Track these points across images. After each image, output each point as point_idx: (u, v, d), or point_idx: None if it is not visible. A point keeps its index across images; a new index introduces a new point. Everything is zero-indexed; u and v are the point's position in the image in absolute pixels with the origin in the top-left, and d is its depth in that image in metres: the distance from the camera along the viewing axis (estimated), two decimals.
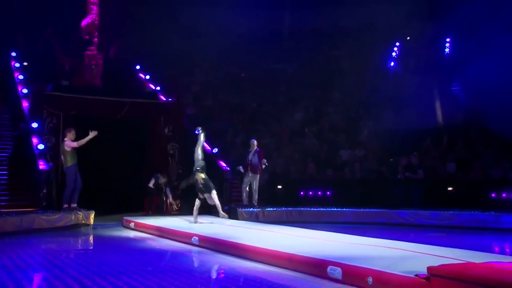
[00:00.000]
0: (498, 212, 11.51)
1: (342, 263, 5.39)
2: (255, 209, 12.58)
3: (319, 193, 14.41)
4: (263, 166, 12.61)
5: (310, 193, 14.46)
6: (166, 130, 14.63)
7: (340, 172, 15.07)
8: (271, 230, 8.76)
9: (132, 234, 10.28)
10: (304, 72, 20.88)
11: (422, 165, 13.92)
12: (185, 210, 12.81)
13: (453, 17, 18.49)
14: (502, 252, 8.14)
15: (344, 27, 21.59)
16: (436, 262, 4.73)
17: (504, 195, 12.52)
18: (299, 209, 13.07)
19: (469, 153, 14.64)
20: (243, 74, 21.14)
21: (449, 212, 11.92)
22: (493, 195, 12.67)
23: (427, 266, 4.52)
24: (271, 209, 12.85)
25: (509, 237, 10.28)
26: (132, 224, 10.94)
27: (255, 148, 12.75)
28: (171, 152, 14.55)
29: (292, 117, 18.18)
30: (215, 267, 6.84)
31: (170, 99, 15.60)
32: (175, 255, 7.83)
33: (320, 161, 15.64)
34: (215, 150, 14.42)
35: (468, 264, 4.63)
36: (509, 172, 13.18)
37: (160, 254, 7.92)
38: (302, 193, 14.46)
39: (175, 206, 13.72)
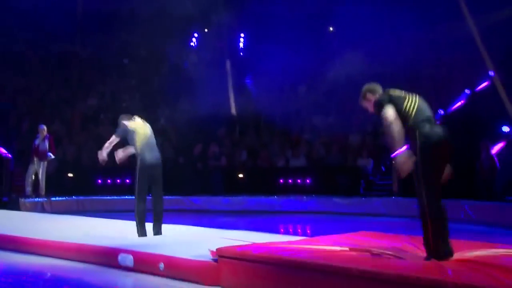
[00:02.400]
0: (280, 196, 12.65)
1: (133, 251, 5.29)
2: (41, 199, 11.64)
3: (118, 181, 14.00)
4: (49, 158, 11.73)
5: (109, 181, 13.96)
6: None
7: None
8: (57, 221, 8.18)
9: None
10: (98, 57, 19.95)
11: (221, 153, 14.58)
12: None
13: (247, 14, 19.60)
14: (282, 232, 8.93)
15: (141, 13, 21.23)
16: (224, 245, 4.94)
17: (289, 181, 13.83)
18: (91, 198, 12.51)
19: (258, 142, 15.76)
20: (29, 54, 19.30)
21: (239, 197, 12.68)
22: (278, 181, 13.88)
23: (216, 248, 4.69)
24: (60, 198, 12.05)
25: (288, 219, 11.37)
26: None
27: (44, 134, 11.82)
28: None
29: (85, 102, 17.27)
30: None
31: None
32: None
33: (116, 148, 15.18)
34: None
35: (253, 245, 4.94)
36: (291, 161, 14.57)
37: None
38: (99, 181, 13.87)
39: None
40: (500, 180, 10.90)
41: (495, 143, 11.48)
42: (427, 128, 4.18)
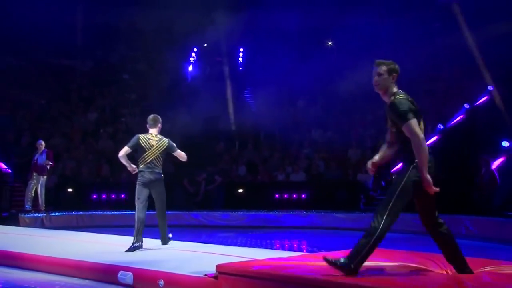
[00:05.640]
0: (280, 211, 12.61)
1: (133, 268, 5.26)
2: (40, 214, 11.61)
3: (113, 196, 13.97)
4: (48, 167, 11.72)
5: (104, 196, 13.93)
6: None
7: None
8: (57, 237, 8.15)
9: None
10: (98, 71, 20.05)
11: (216, 171, 14.57)
12: None
13: (246, 29, 19.73)
14: (282, 248, 8.88)
15: (141, 28, 21.39)
16: (224, 261, 4.91)
17: (288, 196, 13.83)
18: (90, 213, 12.48)
19: (258, 157, 15.75)
20: (29, 68, 19.37)
21: (238, 212, 12.65)
22: (277, 196, 13.85)
23: (216, 264, 4.66)
24: (59, 213, 12.01)
25: (288, 234, 11.31)
26: None
27: (42, 149, 11.83)
28: None
29: (85, 116, 17.31)
30: None
31: None
32: None
33: (115, 163, 15.17)
34: None
35: (252, 261, 4.91)
36: (291, 175, 14.55)
37: None
38: (95, 196, 13.85)
39: None
40: (499, 195, 10.88)
41: (495, 158, 11.48)
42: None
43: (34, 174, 11.71)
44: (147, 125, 6.83)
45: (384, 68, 4.22)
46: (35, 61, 19.33)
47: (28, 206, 11.77)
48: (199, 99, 17.52)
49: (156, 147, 6.68)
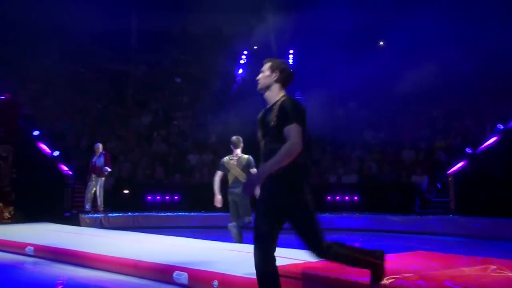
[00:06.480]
0: (332, 213, 12.51)
1: (188, 268, 5.37)
2: (99, 215, 12.05)
3: (167, 197, 14.28)
4: (106, 172, 12.14)
5: (158, 197, 14.26)
6: None
7: (189, 177, 15.12)
8: (115, 237, 8.44)
9: None
10: (151, 75, 20.57)
11: None
12: (18, 217, 11.76)
13: (296, 31, 19.71)
14: None
15: (192, 32, 21.77)
16: (276, 263, 4.92)
17: (337, 198, 13.69)
18: (145, 214, 12.81)
19: (309, 159, 15.68)
20: (86, 74, 20.13)
21: None
22: (329, 198, 13.74)
23: None
24: (116, 214, 12.41)
25: (340, 237, 11.16)
26: None
27: (100, 152, 12.28)
28: (3, 154, 13.23)
29: (139, 120, 17.79)
30: (53, 278, 6.34)
31: (1, 97, 14.25)
32: (4, 268, 7.09)
33: (169, 165, 15.53)
34: (56, 153, 13.51)
35: (305, 263, 4.91)
36: (343, 177, 14.41)
37: None
38: (149, 198, 14.20)
39: (7, 214, 12.52)
40: None
41: None
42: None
43: (93, 175, 12.16)
44: (231, 146, 7.57)
45: (267, 65, 3.81)
46: (92, 67, 20.07)
47: (88, 206, 12.24)
48: (250, 102, 17.59)
49: (237, 165, 7.46)
